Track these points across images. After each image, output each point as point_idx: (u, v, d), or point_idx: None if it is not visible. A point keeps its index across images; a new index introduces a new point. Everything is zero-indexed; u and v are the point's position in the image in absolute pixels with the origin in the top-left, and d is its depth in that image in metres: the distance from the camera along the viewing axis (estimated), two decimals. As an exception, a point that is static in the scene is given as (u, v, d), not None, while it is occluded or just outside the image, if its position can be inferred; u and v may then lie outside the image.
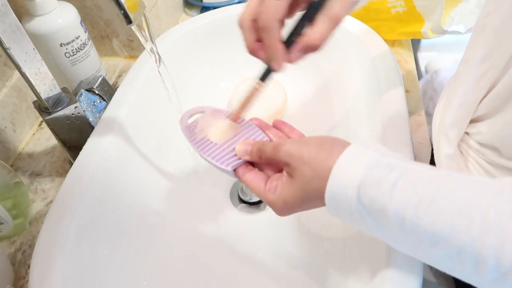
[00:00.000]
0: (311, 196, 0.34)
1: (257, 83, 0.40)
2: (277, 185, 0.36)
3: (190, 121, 0.44)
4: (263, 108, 0.66)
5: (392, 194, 0.28)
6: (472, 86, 0.35)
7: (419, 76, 0.95)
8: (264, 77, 0.39)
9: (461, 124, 0.37)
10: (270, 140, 0.41)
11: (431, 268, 0.44)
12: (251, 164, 0.39)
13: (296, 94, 0.70)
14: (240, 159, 0.38)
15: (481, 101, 0.35)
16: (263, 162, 0.38)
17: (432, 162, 0.49)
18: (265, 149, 0.37)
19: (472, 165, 0.38)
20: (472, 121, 0.37)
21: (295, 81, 0.70)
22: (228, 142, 0.40)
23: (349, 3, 0.35)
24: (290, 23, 0.37)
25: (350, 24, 0.62)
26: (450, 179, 0.28)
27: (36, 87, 0.47)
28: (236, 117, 0.41)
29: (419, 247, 0.29)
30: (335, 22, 0.35)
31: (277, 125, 0.43)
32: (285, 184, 0.35)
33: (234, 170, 0.38)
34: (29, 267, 0.41)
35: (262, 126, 0.42)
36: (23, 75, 0.46)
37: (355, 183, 0.30)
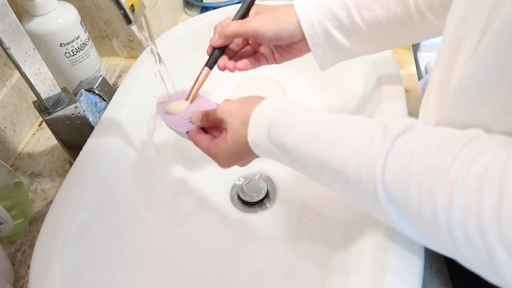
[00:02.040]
0: (240, 143, 0.40)
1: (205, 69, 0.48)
2: (218, 141, 0.43)
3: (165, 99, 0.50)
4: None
5: (290, 130, 0.35)
6: (446, 74, 0.35)
7: (419, 76, 0.95)
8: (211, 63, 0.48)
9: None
10: None
11: (431, 267, 0.44)
12: (204, 131, 0.46)
13: (296, 94, 0.70)
14: (193, 125, 0.46)
15: None
16: (210, 125, 0.45)
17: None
18: (209, 112, 0.44)
19: None
20: None
21: (295, 81, 0.70)
22: (185, 112, 0.46)
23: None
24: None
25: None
26: (337, 118, 0.35)
27: (36, 87, 0.47)
28: (191, 99, 0.48)
29: (316, 174, 0.35)
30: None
31: None
32: (223, 138, 0.42)
33: (187, 132, 0.46)
34: (29, 267, 0.41)
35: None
36: (23, 75, 0.46)
37: (265, 125, 0.37)
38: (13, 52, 0.43)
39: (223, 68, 0.47)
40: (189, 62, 0.67)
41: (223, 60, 0.47)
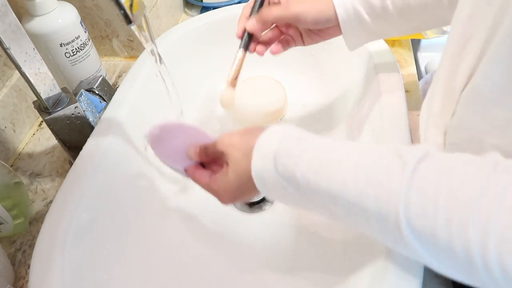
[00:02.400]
0: (243, 178, 0.37)
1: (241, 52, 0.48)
2: (218, 175, 0.40)
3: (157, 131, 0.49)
4: (263, 109, 0.66)
5: (299, 159, 0.33)
6: (453, 73, 0.35)
7: (419, 76, 0.95)
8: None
9: (447, 112, 0.37)
10: None
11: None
12: (202, 165, 0.45)
13: (296, 94, 0.70)
14: (190, 160, 0.44)
15: (463, 89, 0.36)
16: (210, 160, 0.44)
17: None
18: (208, 146, 0.43)
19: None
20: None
21: (295, 81, 0.70)
22: (183, 148, 0.45)
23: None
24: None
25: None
26: (348, 147, 0.33)
27: (36, 87, 0.47)
28: (233, 83, 0.48)
29: (328, 208, 0.32)
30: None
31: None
32: (224, 173, 0.40)
33: (185, 169, 0.44)
34: (29, 267, 0.41)
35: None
36: (23, 75, 0.46)
37: (271, 155, 0.34)
38: (13, 52, 0.43)
39: (253, 51, 0.48)
40: (189, 62, 0.67)
41: (254, 44, 0.48)
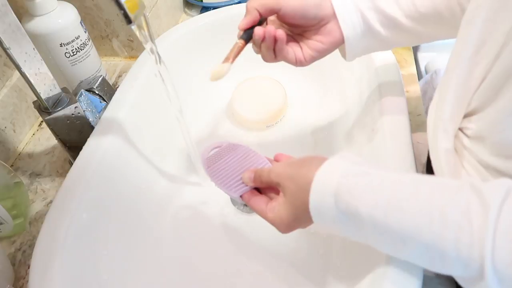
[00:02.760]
0: (300, 210, 0.36)
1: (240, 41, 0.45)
2: (275, 205, 0.40)
3: (211, 153, 0.49)
4: (263, 108, 0.66)
5: (363, 197, 0.31)
6: (465, 78, 0.35)
7: (419, 76, 0.96)
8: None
9: (457, 117, 0.37)
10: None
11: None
12: (258, 190, 0.44)
13: (296, 94, 0.70)
14: (245, 186, 0.44)
15: (474, 93, 0.36)
16: (264, 186, 0.43)
17: (429, 161, 0.49)
18: (262, 174, 0.42)
19: (467, 162, 0.38)
20: (466, 115, 0.37)
21: (295, 81, 0.70)
22: (238, 172, 0.45)
23: None
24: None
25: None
26: (415, 182, 0.31)
27: (36, 87, 0.47)
28: (226, 61, 0.45)
29: (395, 246, 0.31)
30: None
31: (278, 157, 0.47)
32: (280, 202, 0.39)
33: (241, 196, 0.44)
34: (29, 267, 0.41)
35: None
36: (23, 75, 0.46)
37: (331, 191, 0.33)
38: (13, 52, 0.43)
39: (263, 35, 0.43)
40: (189, 62, 0.67)
41: (260, 28, 0.43)
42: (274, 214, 0.40)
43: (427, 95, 0.80)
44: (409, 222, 0.29)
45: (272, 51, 0.44)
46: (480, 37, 0.33)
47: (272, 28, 0.42)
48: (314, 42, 0.44)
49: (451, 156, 0.38)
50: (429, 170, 0.52)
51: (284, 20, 0.45)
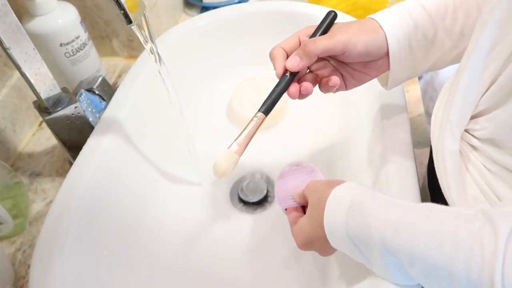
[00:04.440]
0: (317, 224, 0.37)
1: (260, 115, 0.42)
2: (301, 218, 0.41)
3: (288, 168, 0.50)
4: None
5: (375, 214, 0.32)
6: (475, 79, 0.35)
7: (419, 76, 0.95)
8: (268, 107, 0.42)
9: (464, 119, 0.37)
10: None
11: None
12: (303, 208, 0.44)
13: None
14: (294, 202, 0.45)
15: (482, 95, 0.35)
16: (304, 204, 0.43)
17: (430, 161, 0.49)
18: (300, 191, 0.43)
19: (472, 164, 0.38)
20: (473, 117, 0.37)
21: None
22: (292, 188, 0.46)
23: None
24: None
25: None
26: (425, 206, 0.32)
27: (36, 87, 0.47)
28: (239, 151, 0.41)
29: (402, 267, 0.31)
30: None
31: None
32: (304, 216, 0.40)
33: (286, 209, 0.45)
34: (29, 267, 0.41)
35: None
36: (23, 75, 0.46)
37: (344, 207, 0.34)
38: (13, 52, 0.43)
39: (296, 94, 0.41)
40: (189, 62, 0.67)
41: (295, 86, 0.41)
42: (295, 226, 0.41)
43: (427, 95, 0.80)
44: (419, 242, 0.29)
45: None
46: (493, 38, 0.33)
47: (310, 86, 0.42)
48: (361, 74, 0.44)
49: (456, 158, 0.38)
50: (430, 171, 0.52)
51: (339, 59, 0.43)
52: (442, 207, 0.31)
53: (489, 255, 0.27)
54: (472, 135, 0.37)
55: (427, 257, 0.29)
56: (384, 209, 0.33)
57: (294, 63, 0.40)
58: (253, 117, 0.41)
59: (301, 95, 0.43)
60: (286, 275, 0.51)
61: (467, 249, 0.28)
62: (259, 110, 0.42)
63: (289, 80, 0.41)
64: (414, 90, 0.63)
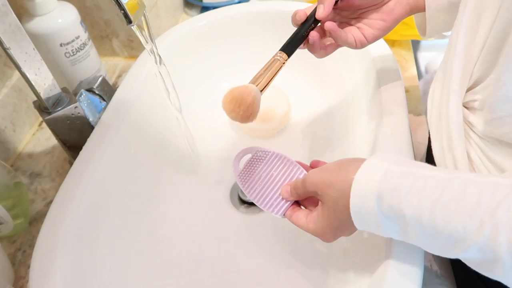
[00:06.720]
0: (342, 215, 0.35)
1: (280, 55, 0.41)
2: (314, 215, 0.39)
3: (241, 166, 0.47)
4: (267, 116, 0.66)
5: (407, 200, 0.30)
6: (468, 48, 0.35)
7: (419, 76, 0.96)
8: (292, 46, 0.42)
9: (463, 90, 0.37)
10: None
11: (431, 267, 0.44)
12: (297, 202, 0.43)
13: (296, 94, 0.70)
14: (287, 201, 0.42)
15: (475, 63, 0.35)
16: (302, 198, 0.42)
17: (428, 158, 0.49)
18: (297, 185, 0.41)
19: (472, 139, 0.38)
20: (469, 89, 0.37)
21: (294, 81, 0.70)
22: (276, 187, 0.44)
23: None
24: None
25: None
26: (461, 180, 0.29)
27: (36, 87, 0.47)
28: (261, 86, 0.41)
29: (444, 248, 0.30)
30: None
31: (315, 164, 0.45)
32: (320, 212, 0.38)
33: (284, 215, 0.43)
34: (29, 267, 0.41)
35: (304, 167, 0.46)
36: (23, 75, 0.46)
37: (373, 196, 0.32)
38: (13, 52, 0.43)
39: (318, 39, 0.42)
40: (189, 62, 0.67)
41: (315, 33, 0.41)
42: (315, 225, 0.39)
43: (427, 95, 0.80)
44: (458, 225, 0.28)
45: (323, 50, 0.45)
46: (477, 6, 0.34)
47: (315, 34, 0.42)
48: (376, 21, 0.44)
49: (461, 129, 0.37)
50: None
51: (347, 3, 0.44)
52: (477, 177, 0.29)
53: None
54: (472, 107, 0.37)
55: (467, 240, 0.28)
56: (416, 194, 0.30)
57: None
58: (274, 56, 0.41)
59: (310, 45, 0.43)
60: (286, 275, 0.51)
61: (507, 228, 0.26)
62: (281, 50, 0.41)
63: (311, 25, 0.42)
64: (414, 90, 0.63)
